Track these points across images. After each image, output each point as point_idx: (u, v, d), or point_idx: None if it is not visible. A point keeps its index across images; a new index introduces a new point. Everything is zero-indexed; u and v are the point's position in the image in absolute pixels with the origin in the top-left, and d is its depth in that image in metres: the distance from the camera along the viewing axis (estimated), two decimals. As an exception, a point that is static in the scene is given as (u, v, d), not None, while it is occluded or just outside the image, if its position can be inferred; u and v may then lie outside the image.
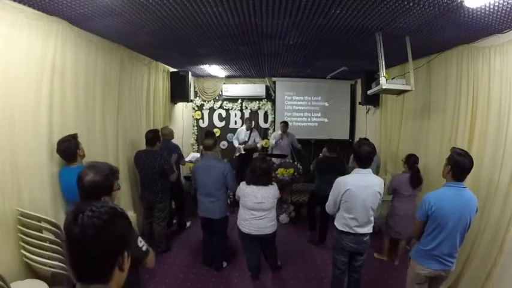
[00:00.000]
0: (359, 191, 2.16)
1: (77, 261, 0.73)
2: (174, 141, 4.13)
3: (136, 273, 1.51)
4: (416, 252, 2.04)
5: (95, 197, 1.35)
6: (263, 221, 2.73)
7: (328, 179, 3.55)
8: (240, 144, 5.62)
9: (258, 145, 5.67)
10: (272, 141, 5.53)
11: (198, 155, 4.86)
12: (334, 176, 3.54)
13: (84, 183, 1.34)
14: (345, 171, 3.50)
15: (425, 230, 1.97)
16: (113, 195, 1.44)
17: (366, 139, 3.21)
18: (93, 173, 1.36)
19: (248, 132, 5.63)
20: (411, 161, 3.18)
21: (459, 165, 1.84)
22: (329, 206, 2.38)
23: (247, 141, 5.60)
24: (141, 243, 1.42)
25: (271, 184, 2.80)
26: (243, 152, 5.57)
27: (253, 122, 6.31)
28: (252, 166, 2.81)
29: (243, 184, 2.82)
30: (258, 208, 2.70)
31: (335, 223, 2.37)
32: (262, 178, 2.72)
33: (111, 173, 1.43)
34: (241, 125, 6.05)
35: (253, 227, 2.73)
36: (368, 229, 2.27)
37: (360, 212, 2.20)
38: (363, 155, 2.17)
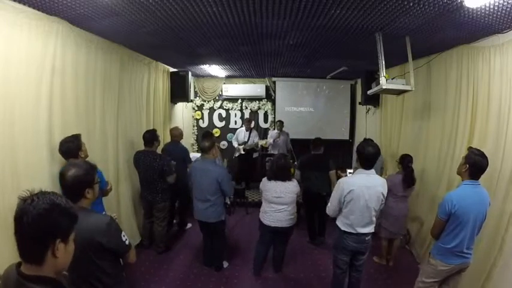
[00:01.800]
0: (362, 191, 2.17)
1: (16, 240, 0.89)
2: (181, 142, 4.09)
3: (119, 266, 1.60)
4: (437, 250, 2.08)
5: (78, 191, 1.44)
6: (283, 214, 2.85)
7: (315, 176, 3.64)
8: (239, 144, 5.64)
9: (259, 145, 5.69)
10: (269, 140, 5.63)
11: (198, 155, 4.85)
12: (319, 172, 3.67)
13: (67, 179, 1.41)
14: (328, 167, 3.60)
15: (446, 228, 2.02)
16: (94, 188, 1.51)
17: (370, 140, 3.24)
18: (74, 169, 1.44)
19: (247, 132, 5.66)
20: (405, 161, 3.19)
21: (477, 165, 1.94)
22: (331, 208, 2.36)
23: (247, 142, 5.61)
24: (124, 237, 1.51)
25: (290, 180, 2.92)
26: (242, 152, 5.59)
27: (253, 122, 6.33)
28: (271, 163, 3.02)
29: (265, 179, 2.98)
30: (277, 202, 2.84)
31: (337, 223, 2.37)
32: (279, 173, 2.86)
33: (91, 167, 1.52)
34: (241, 126, 6.07)
35: (274, 219, 2.86)
36: (370, 229, 2.29)
37: (363, 212, 2.21)
38: (367, 156, 2.19)
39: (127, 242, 1.52)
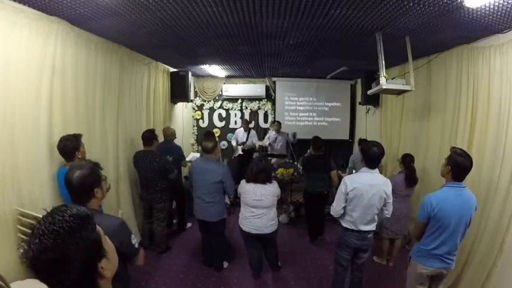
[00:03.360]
0: (365, 189, 2.20)
1: None
2: (175, 141, 4.12)
3: (125, 270, 1.54)
4: (417, 252, 2.04)
5: (87, 192, 1.39)
6: (262, 220, 2.75)
7: (316, 177, 3.64)
8: (238, 145, 5.67)
9: (257, 145, 5.70)
10: (266, 142, 5.62)
11: (198, 155, 4.85)
12: (320, 174, 3.67)
13: (74, 181, 1.37)
14: (330, 168, 3.59)
15: (426, 230, 1.98)
16: (102, 185, 1.48)
17: (365, 140, 3.22)
18: (78, 170, 1.39)
19: (246, 133, 5.69)
20: (407, 160, 3.19)
21: (459, 166, 1.85)
22: (335, 207, 2.36)
23: (246, 142, 5.63)
24: (134, 240, 1.47)
25: (271, 182, 2.81)
26: (241, 153, 5.60)
27: (253, 122, 6.34)
28: (250, 165, 2.84)
29: (243, 182, 2.85)
30: (257, 205, 2.73)
31: (340, 220, 2.40)
32: (259, 176, 2.75)
33: (94, 165, 1.49)
34: (241, 126, 6.08)
35: (253, 226, 2.76)
36: (372, 227, 2.31)
37: (365, 210, 2.23)
38: (372, 156, 2.23)
39: (136, 245, 1.48)
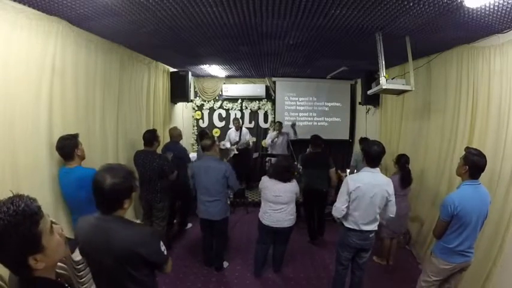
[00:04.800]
0: (368, 188, 2.21)
1: None
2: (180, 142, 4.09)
3: (153, 279, 1.46)
4: (440, 250, 2.09)
5: (117, 201, 1.29)
6: (282, 214, 2.86)
7: (315, 174, 3.65)
8: (232, 145, 5.65)
9: (250, 142, 5.70)
10: (268, 140, 5.62)
11: (196, 155, 4.86)
12: (319, 171, 3.68)
13: (105, 188, 1.24)
14: (329, 165, 3.60)
15: (449, 228, 2.03)
16: (132, 196, 1.37)
17: (366, 139, 3.22)
18: (111, 176, 1.26)
19: (238, 132, 5.68)
20: (402, 161, 3.20)
21: (476, 165, 1.95)
22: (338, 207, 2.34)
23: (239, 141, 5.63)
24: (163, 247, 1.38)
25: (290, 182, 2.92)
26: (236, 152, 5.59)
27: (253, 122, 6.32)
28: (275, 163, 3.07)
29: (265, 177, 2.98)
30: (276, 201, 2.85)
31: (342, 220, 2.40)
32: (281, 175, 2.88)
33: (128, 173, 1.35)
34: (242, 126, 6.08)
35: (273, 220, 2.87)
36: (374, 227, 2.33)
37: (367, 209, 2.25)
38: (373, 154, 2.26)
39: (165, 252, 1.40)
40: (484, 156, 1.95)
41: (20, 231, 0.80)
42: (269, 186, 2.89)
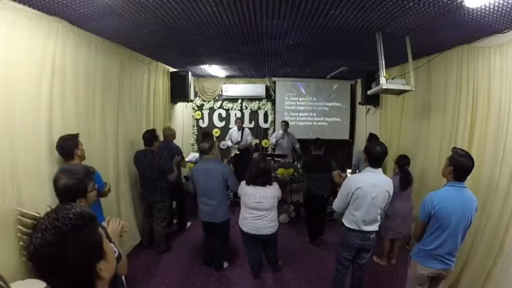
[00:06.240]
0: (369, 189, 2.20)
1: None
2: (174, 141, 4.12)
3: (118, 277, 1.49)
4: (417, 253, 2.04)
5: (70, 200, 1.32)
6: (263, 221, 2.74)
7: (317, 177, 3.64)
8: (234, 144, 5.65)
9: (252, 144, 5.70)
10: (273, 140, 5.60)
11: (197, 154, 4.86)
12: (321, 174, 3.67)
13: (58, 187, 1.35)
14: (331, 168, 3.59)
15: (427, 230, 1.97)
16: (88, 196, 1.44)
17: (377, 139, 3.17)
18: (65, 177, 1.36)
19: (240, 132, 5.68)
20: (401, 163, 3.19)
21: (461, 166, 1.85)
22: (338, 203, 2.38)
23: (240, 141, 5.62)
24: (114, 248, 1.39)
25: (271, 184, 2.78)
26: (237, 152, 5.59)
27: (253, 122, 6.32)
28: (249, 166, 2.79)
29: (243, 183, 2.83)
30: (257, 208, 2.71)
31: (343, 220, 2.40)
32: (258, 179, 2.71)
33: (86, 175, 1.43)
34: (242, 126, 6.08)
35: (253, 227, 2.75)
36: (374, 227, 2.32)
37: (369, 210, 2.23)
38: (375, 155, 2.24)
39: (116, 254, 1.39)
40: (471, 159, 1.85)
41: (85, 235, 0.71)
42: (249, 192, 2.72)
